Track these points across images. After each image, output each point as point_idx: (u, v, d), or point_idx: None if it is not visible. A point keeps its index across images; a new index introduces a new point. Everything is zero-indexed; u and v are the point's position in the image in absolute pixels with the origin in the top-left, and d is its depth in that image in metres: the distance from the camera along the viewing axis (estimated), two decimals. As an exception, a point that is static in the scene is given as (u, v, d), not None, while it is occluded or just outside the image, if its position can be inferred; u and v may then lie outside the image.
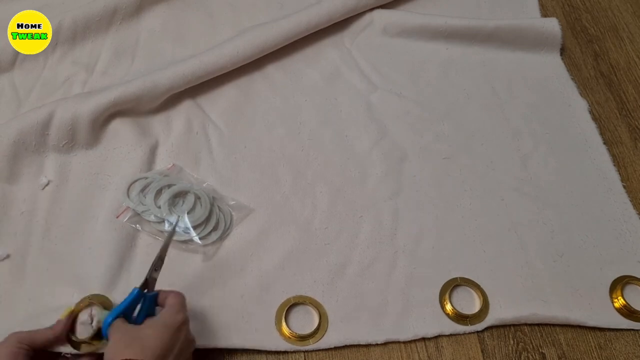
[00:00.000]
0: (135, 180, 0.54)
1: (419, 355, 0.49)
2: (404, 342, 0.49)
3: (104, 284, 0.48)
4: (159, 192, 0.53)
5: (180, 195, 0.54)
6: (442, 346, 0.49)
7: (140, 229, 0.52)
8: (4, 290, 0.48)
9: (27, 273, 0.49)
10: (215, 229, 0.53)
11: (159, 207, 0.52)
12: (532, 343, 0.50)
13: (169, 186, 0.54)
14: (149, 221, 0.52)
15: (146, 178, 0.54)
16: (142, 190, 0.53)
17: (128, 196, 0.53)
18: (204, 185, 0.55)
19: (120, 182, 0.54)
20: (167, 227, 0.52)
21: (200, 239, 0.52)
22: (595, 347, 0.50)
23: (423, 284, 0.52)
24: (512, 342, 0.50)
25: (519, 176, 0.59)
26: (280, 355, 0.48)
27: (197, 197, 0.54)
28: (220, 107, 0.62)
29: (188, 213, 0.52)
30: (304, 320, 0.49)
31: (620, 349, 0.50)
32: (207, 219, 0.53)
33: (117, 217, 0.52)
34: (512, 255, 0.54)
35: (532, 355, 0.49)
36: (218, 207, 0.54)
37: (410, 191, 0.58)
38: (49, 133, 0.54)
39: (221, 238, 0.53)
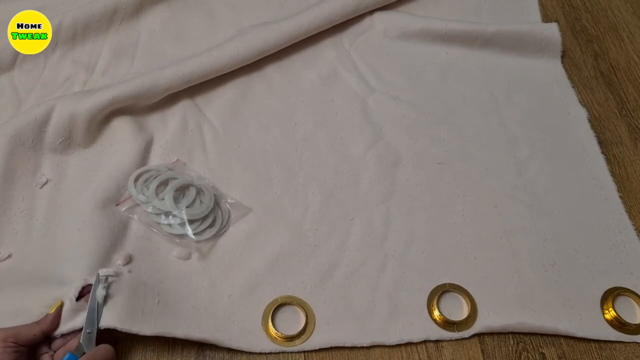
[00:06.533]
0: (142, 173, 0.55)
1: (419, 355, 0.49)
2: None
3: (89, 266, 0.48)
4: (161, 185, 0.54)
5: (182, 189, 0.54)
6: (442, 346, 0.49)
7: (137, 219, 0.53)
8: (6, 289, 0.48)
9: (29, 271, 0.50)
10: (211, 225, 0.53)
11: (162, 200, 0.53)
12: (532, 343, 0.50)
13: (173, 179, 0.54)
14: (147, 212, 0.53)
15: (150, 170, 0.55)
16: (146, 181, 0.54)
17: (135, 186, 0.54)
18: (206, 181, 0.56)
19: (117, 176, 0.55)
20: (163, 219, 0.52)
21: (195, 234, 0.52)
22: (595, 347, 0.50)
23: (411, 289, 0.52)
24: (512, 342, 0.50)
25: (514, 183, 0.59)
26: (280, 355, 0.48)
27: (199, 193, 0.54)
28: (217, 106, 0.63)
29: (187, 207, 0.53)
30: (291, 321, 0.50)
31: (620, 349, 0.50)
32: (206, 215, 0.53)
33: (117, 205, 0.53)
34: (503, 262, 0.53)
35: (532, 355, 0.49)
36: (217, 204, 0.55)
37: (403, 195, 0.57)
38: (46, 130, 0.55)
39: (216, 236, 0.53)
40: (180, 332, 0.47)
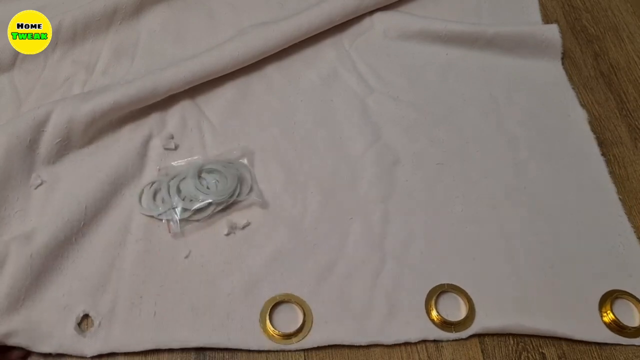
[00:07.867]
0: (144, 188, 0.56)
1: (419, 355, 0.49)
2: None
3: (84, 293, 0.50)
4: (177, 189, 0.55)
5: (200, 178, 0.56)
6: (442, 346, 0.49)
7: (180, 229, 0.53)
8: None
9: (28, 272, 0.49)
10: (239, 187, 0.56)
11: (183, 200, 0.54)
12: (532, 343, 0.50)
13: (182, 179, 0.55)
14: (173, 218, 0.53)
15: (153, 183, 0.56)
16: (154, 196, 0.55)
17: (141, 204, 0.55)
18: (200, 160, 0.57)
19: (114, 177, 0.55)
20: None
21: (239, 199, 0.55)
22: (596, 347, 0.50)
23: (409, 289, 0.52)
24: (512, 342, 0.50)
25: (513, 184, 0.58)
26: (280, 354, 0.49)
27: (214, 172, 0.56)
28: (217, 105, 0.63)
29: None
30: (288, 319, 0.50)
31: (620, 349, 0.50)
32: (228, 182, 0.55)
33: (170, 233, 0.53)
34: (501, 264, 0.53)
35: (532, 355, 0.49)
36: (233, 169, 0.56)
37: (401, 196, 0.57)
38: (44, 132, 0.55)
39: (252, 189, 0.56)
40: (176, 343, 0.48)
